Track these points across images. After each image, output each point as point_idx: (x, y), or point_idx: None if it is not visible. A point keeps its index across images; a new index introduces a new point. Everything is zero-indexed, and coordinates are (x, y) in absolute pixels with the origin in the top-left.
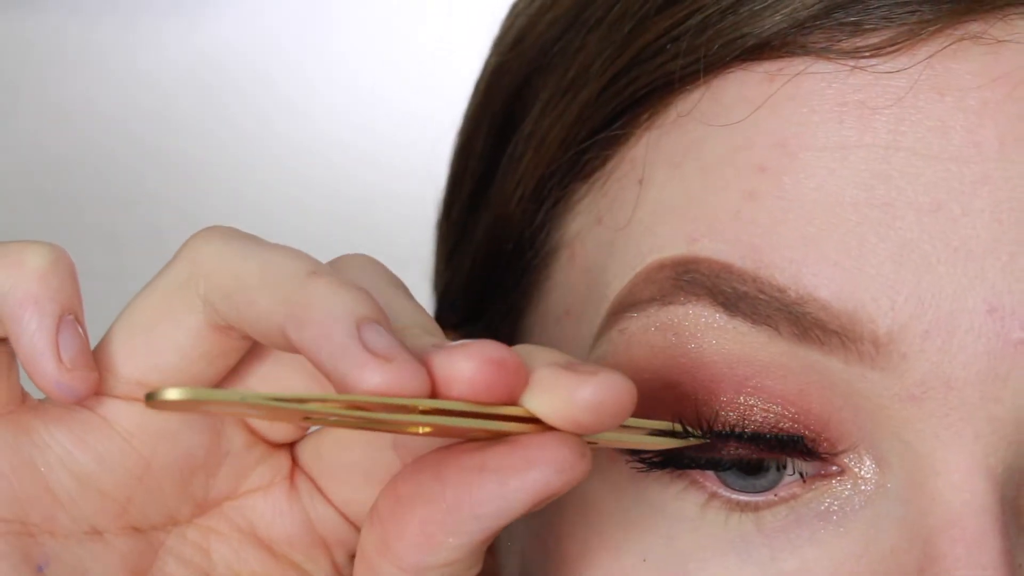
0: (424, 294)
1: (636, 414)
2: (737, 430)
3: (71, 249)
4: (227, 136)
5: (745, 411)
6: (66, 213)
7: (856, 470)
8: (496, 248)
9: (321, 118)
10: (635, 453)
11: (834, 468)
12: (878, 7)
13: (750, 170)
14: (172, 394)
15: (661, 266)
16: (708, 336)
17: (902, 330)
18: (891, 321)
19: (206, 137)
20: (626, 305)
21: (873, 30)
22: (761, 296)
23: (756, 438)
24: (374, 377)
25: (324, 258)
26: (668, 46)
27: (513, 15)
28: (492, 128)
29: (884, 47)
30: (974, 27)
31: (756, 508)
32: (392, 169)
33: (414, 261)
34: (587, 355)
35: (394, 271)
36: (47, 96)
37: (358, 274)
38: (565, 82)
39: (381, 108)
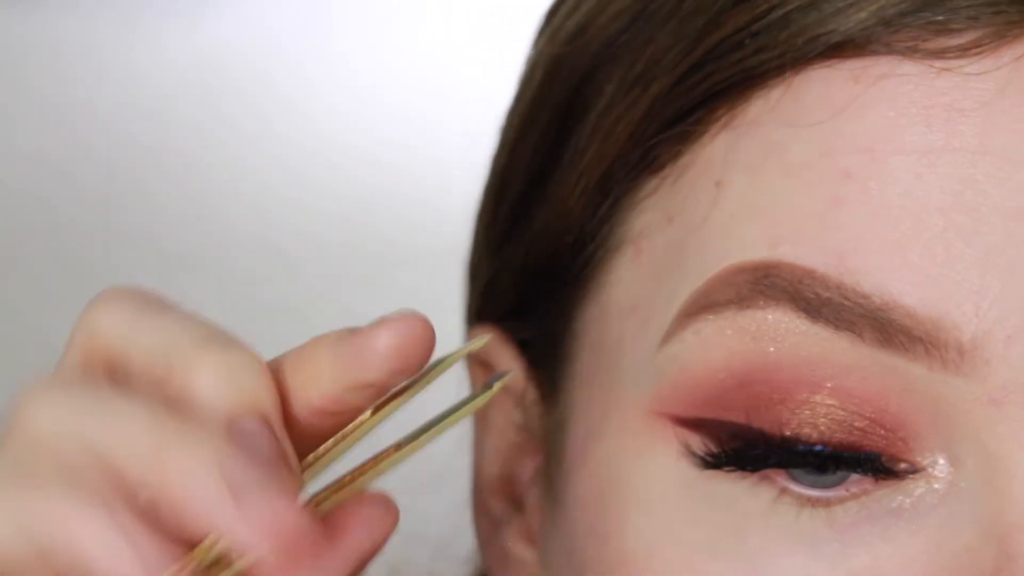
0: (423, 294)
1: (707, 414)
2: (810, 429)
3: (71, 249)
4: (227, 136)
5: (821, 410)
6: (66, 213)
7: (930, 469)
8: (555, 241)
9: (321, 118)
10: (696, 455)
11: (905, 466)
12: (965, 7)
13: (835, 175)
14: None
15: (740, 269)
16: (788, 341)
17: (986, 336)
18: (975, 327)
19: (206, 137)
20: (701, 307)
21: (960, 30)
22: (845, 302)
23: (830, 442)
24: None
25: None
26: (747, 41)
27: (569, 7)
28: (552, 122)
29: (970, 48)
30: None
31: (827, 504)
32: (392, 169)
33: (413, 261)
34: (655, 356)
35: (394, 271)
36: (47, 96)
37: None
38: (633, 75)
39: (381, 108)
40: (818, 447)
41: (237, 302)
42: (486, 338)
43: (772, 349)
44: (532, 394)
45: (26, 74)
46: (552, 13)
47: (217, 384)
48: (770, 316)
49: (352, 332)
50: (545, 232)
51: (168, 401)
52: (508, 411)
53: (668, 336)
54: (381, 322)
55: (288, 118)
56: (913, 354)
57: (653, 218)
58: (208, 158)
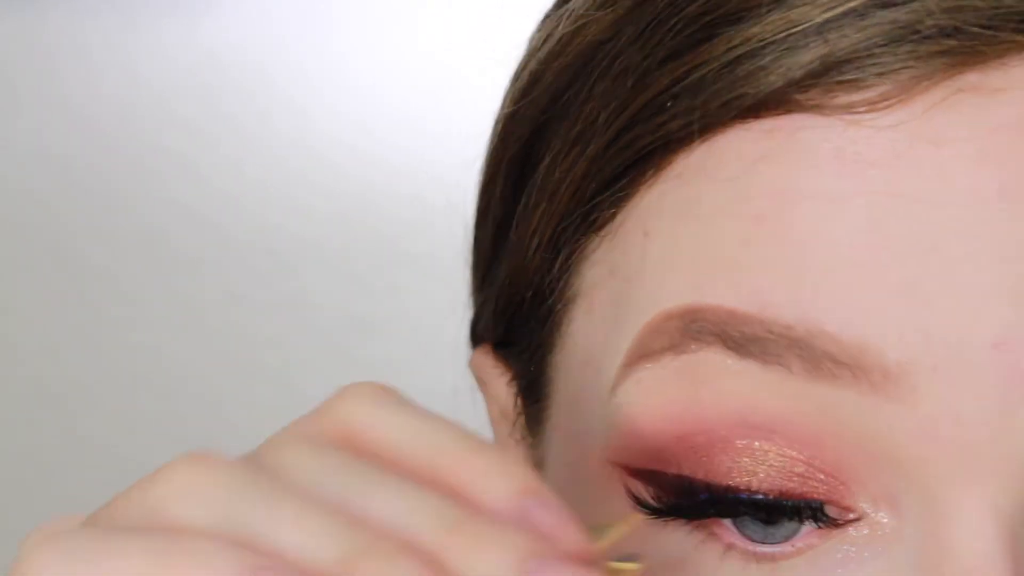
0: (422, 293)
1: (653, 465)
2: (750, 477)
3: (71, 249)
4: (227, 136)
5: (760, 457)
6: (66, 213)
7: (872, 515)
8: (520, 292)
9: (321, 118)
10: (648, 506)
11: (851, 515)
12: (873, 64)
13: (748, 219)
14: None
15: (669, 316)
16: (722, 381)
17: (911, 363)
18: (900, 353)
19: (206, 137)
20: (639, 356)
21: (869, 86)
22: (769, 336)
23: (771, 490)
24: None
25: (324, 260)
26: (668, 104)
27: (526, 59)
28: (509, 175)
29: (880, 102)
30: (971, 78)
31: (774, 559)
32: (392, 169)
33: (413, 261)
34: (606, 407)
35: (394, 271)
36: (47, 96)
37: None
38: (574, 134)
39: (381, 108)
40: (759, 496)
41: (237, 302)
42: (639, 518)
43: (706, 391)
44: (520, 419)
45: (26, 74)
46: (520, 62)
47: (498, 471)
48: (703, 357)
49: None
50: (512, 282)
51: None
52: (506, 427)
53: (614, 387)
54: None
55: (288, 118)
56: (842, 381)
57: (600, 272)
58: (208, 158)
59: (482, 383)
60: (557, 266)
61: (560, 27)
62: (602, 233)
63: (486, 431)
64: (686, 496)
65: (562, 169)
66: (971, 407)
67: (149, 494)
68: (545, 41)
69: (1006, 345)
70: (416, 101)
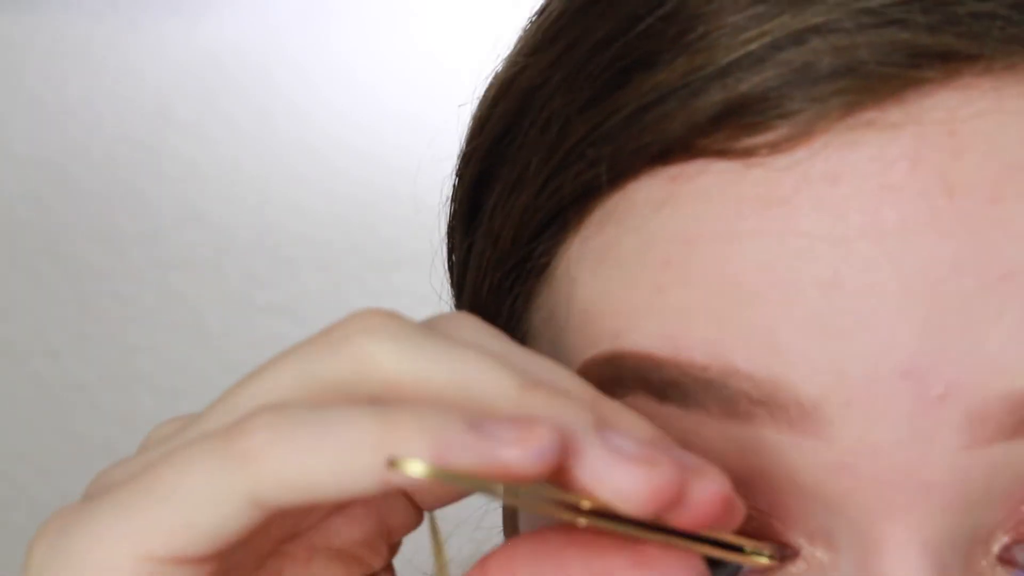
0: (420, 293)
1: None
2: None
3: (71, 249)
4: (226, 135)
5: None
6: (65, 213)
7: (809, 551)
8: None
9: (321, 117)
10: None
11: (788, 551)
12: (772, 108)
13: (657, 265)
14: (417, 468)
15: (593, 362)
16: None
17: (823, 398)
18: (812, 388)
19: (206, 136)
20: None
21: (770, 128)
22: (686, 379)
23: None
24: (639, 483)
25: (323, 259)
26: (587, 151)
27: (480, 103)
28: (461, 218)
29: (780, 143)
30: (868, 115)
31: None
32: (392, 169)
33: (413, 261)
34: None
35: (393, 271)
36: (47, 96)
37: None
38: (512, 180)
39: (381, 108)
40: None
41: (236, 302)
42: (768, 553)
43: None
44: None
45: (26, 74)
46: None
47: (566, 407)
48: (628, 403)
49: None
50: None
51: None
52: None
53: None
54: (709, 473)
55: (288, 117)
56: (759, 420)
57: (541, 317)
58: (207, 157)
59: None
60: (506, 310)
61: (503, 71)
62: (542, 278)
63: None
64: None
65: (502, 214)
66: (886, 439)
67: (348, 350)
68: (493, 84)
69: (914, 373)
70: (416, 101)
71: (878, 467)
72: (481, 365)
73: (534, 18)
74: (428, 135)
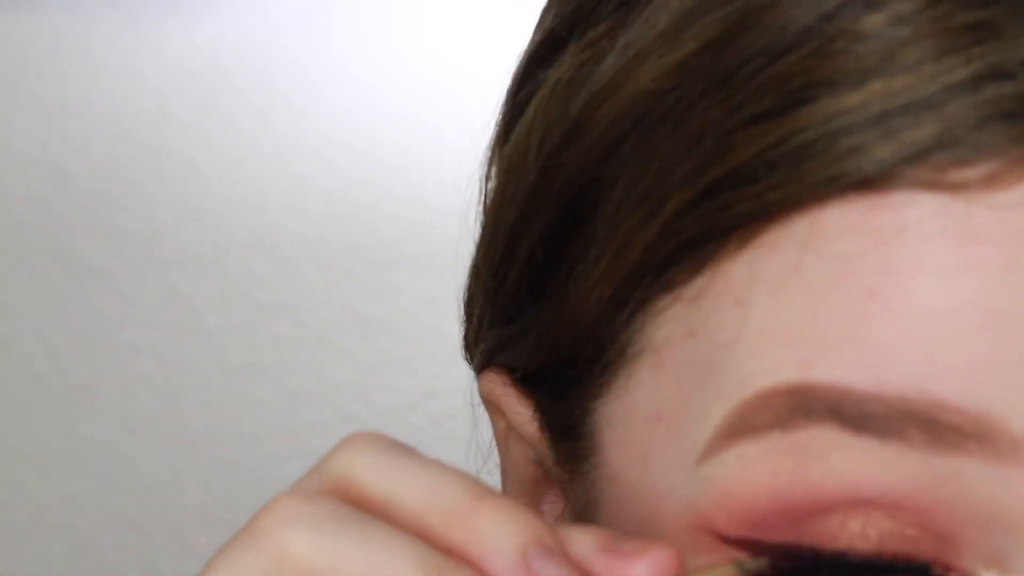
0: (422, 293)
1: (754, 534)
2: (861, 541)
3: (71, 249)
4: (226, 136)
5: (872, 520)
6: (65, 213)
7: (981, 575)
8: (570, 341)
9: (320, 117)
10: (747, 570)
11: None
12: (988, 141)
13: (859, 294)
14: None
15: (775, 392)
16: (834, 456)
17: None
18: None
19: (205, 136)
20: (740, 430)
21: (979, 162)
22: (890, 412)
23: (883, 553)
24: None
25: (323, 260)
26: (761, 171)
27: (554, 98)
28: (555, 219)
29: (993, 179)
30: None
31: None
32: (392, 169)
33: (413, 261)
34: (692, 471)
35: (394, 271)
36: (47, 96)
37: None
38: (642, 187)
39: (380, 108)
40: (873, 559)
41: (237, 302)
42: (731, 568)
43: (817, 467)
44: (544, 446)
45: (26, 74)
46: (519, 89)
47: (502, 525)
48: (815, 434)
49: (614, 546)
50: (559, 331)
51: (446, 547)
52: (524, 448)
53: (705, 455)
54: (639, 551)
55: (287, 117)
56: (966, 451)
57: (674, 331)
58: (207, 157)
59: (491, 405)
60: (620, 320)
61: (604, 65)
62: (676, 293)
63: (485, 432)
64: (791, 561)
65: (629, 225)
66: None
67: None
68: (578, 79)
69: None
70: (416, 101)
71: None
72: (394, 549)
73: (612, 12)
74: (428, 135)
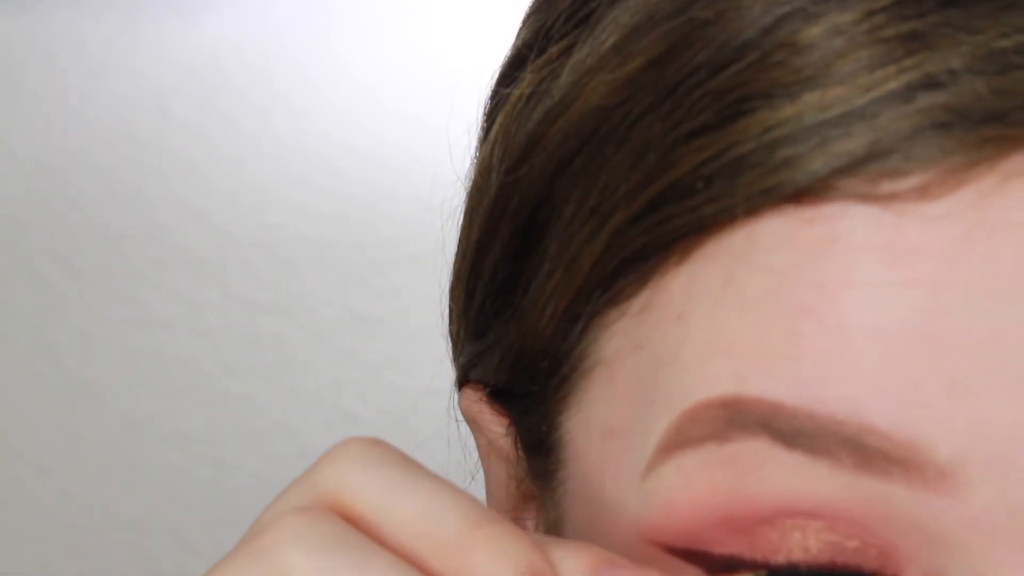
0: (422, 293)
1: (697, 545)
2: (801, 552)
3: (71, 249)
4: (227, 136)
5: (812, 532)
6: (66, 213)
7: None
8: (527, 355)
9: (320, 117)
10: None
11: None
12: (920, 152)
13: (793, 310)
14: None
15: (710, 405)
16: (768, 470)
17: (962, 459)
18: (951, 450)
19: (206, 137)
20: (679, 443)
21: (913, 172)
22: (820, 431)
23: (826, 564)
24: None
25: (324, 260)
26: (699, 185)
27: (514, 114)
28: (512, 237)
29: (928, 190)
30: (1019, 160)
31: None
32: (392, 169)
33: (413, 261)
34: (639, 485)
35: (394, 271)
36: (47, 96)
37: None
38: (590, 203)
39: (381, 108)
40: (814, 568)
41: (237, 302)
42: None
43: (752, 480)
44: (520, 461)
45: (26, 74)
46: (493, 107)
47: (496, 559)
48: (749, 446)
49: (604, 571)
50: (519, 347)
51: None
52: (503, 464)
53: (649, 469)
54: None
55: (287, 117)
56: (892, 476)
57: (623, 344)
58: (207, 157)
59: (472, 421)
60: (573, 335)
61: (559, 82)
62: (623, 307)
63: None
64: (733, 573)
65: (579, 240)
66: None
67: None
68: (535, 95)
69: None
70: (416, 101)
71: (1012, 525)
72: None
73: (570, 30)
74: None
